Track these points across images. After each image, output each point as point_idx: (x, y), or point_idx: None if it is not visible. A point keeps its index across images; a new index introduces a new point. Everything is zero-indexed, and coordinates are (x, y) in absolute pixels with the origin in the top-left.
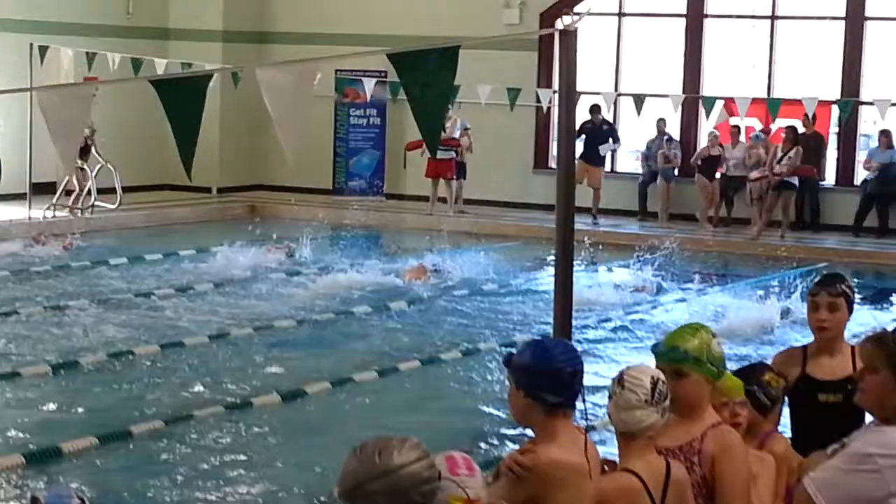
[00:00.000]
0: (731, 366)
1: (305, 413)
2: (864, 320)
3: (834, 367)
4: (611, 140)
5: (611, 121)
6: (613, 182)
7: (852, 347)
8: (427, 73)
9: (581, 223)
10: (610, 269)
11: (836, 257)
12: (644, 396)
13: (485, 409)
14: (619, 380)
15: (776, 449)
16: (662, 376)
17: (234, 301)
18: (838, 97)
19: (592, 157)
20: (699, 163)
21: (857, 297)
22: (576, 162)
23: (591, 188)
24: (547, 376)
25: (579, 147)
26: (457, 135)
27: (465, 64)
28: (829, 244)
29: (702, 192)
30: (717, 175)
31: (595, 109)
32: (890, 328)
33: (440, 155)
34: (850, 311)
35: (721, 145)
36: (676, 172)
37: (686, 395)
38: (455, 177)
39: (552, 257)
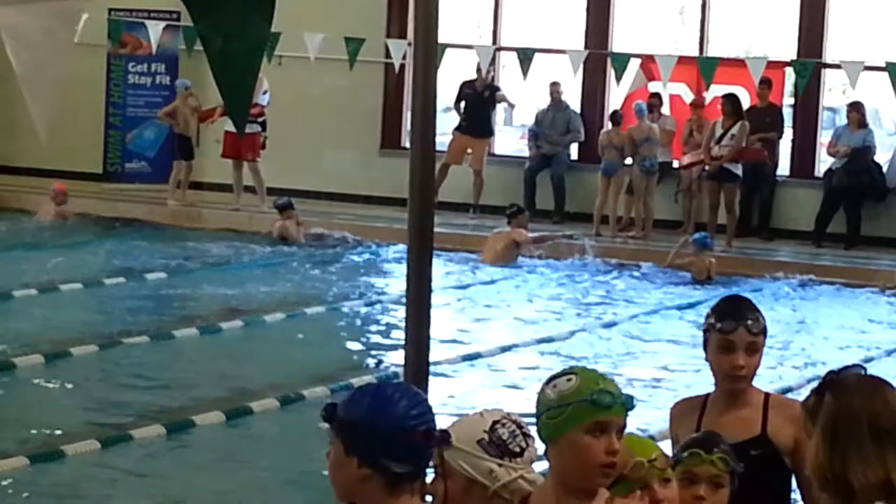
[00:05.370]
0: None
1: None
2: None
3: (737, 425)
4: (505, 103)
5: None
6: (489, 168)
7: (766, 397)
8: (233, 15)
9: (446, 223)
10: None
11: (788, 274)
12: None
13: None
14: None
15: None
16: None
17: None
18: (794, 57)
19: (474, 127)
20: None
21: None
22: (453, 134)
23: (471, 170)
24: (392, 438)
25: (450, 119)
26: (264, 101)
27: (288, 4)
28: (782, 256)
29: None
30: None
31: (480, 69)
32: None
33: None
34: None
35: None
36: (575, 157)
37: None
38: (258, 157)
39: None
